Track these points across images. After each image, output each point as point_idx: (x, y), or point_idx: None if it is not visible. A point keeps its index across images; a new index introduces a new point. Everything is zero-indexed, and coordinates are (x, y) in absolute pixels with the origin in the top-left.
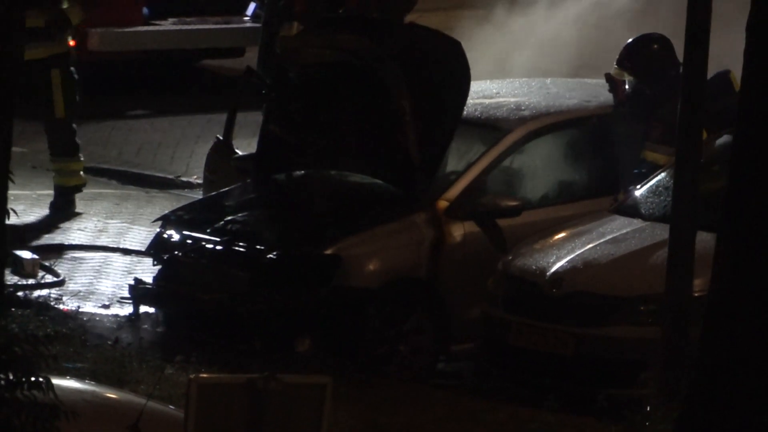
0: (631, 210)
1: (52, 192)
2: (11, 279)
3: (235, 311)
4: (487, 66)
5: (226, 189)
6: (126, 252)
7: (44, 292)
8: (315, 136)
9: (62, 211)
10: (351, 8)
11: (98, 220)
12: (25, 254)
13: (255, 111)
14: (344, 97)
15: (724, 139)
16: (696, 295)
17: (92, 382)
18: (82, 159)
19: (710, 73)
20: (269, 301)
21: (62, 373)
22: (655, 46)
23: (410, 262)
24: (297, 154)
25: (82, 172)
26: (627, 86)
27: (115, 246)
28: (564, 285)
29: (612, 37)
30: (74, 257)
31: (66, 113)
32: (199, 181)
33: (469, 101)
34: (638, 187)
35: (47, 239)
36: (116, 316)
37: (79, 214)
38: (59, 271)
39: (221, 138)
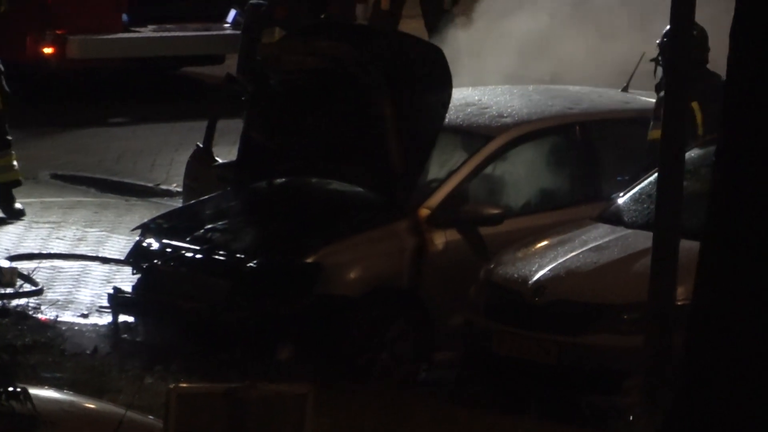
0: (614, 218)
1: None
2: None
3: (215, 320)
4: (466, 71)
5: (207, 197)
6: (105, 261)
7: (23, 301)
8: (296, 144)
9: (6, 209)
10: (333, 14)
11: (77, 229)
12: (3, 263)
13: (235, 118)
14: (325, 104)
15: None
16: (679, 303)
17: (71, 392)
18: (13, 153)
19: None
20: (250, 310)
21: (41, 383)
22: (694, 32)
23: (392, 270)
24: (278, 161)
25: (15, 164)
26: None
27: (94, 255)
28: (546, 293)
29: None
30: (53, 266)
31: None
32: (179, 189)
33: (451, 108)
34: (621, 194)
35: (25, 248)
36: (95, 325)
37: (57, 222)
38: (38, 280)
39: (201, 146)
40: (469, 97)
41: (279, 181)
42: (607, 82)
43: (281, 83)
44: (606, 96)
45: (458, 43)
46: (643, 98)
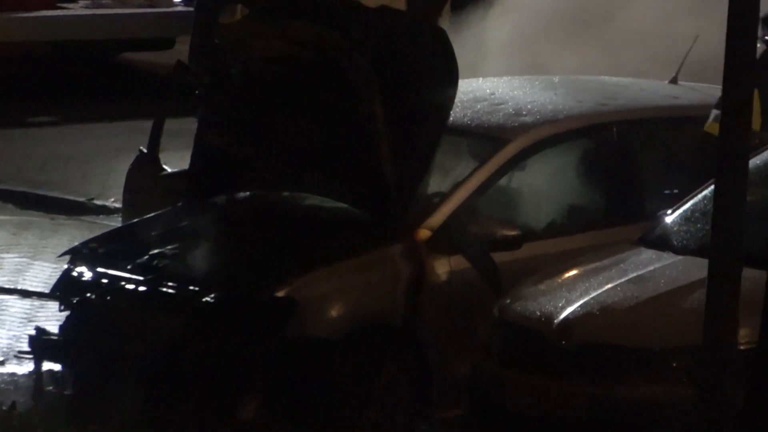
0: (660, 241)
1: None
2: None
3: (164, 367)
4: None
5: (152, 215)
6: (25, 294)
7: None
8: (263, 149)
9: None
10: None
11: None
12: None
13: (188, 117)
14: (300, 100)
15: None
16: (742, 347)
17: None
18: None
19: None
20: (206, 355)
21: None
22: None
23: (383, 305)
24: (241, 170)
25: None
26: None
27: (11, 287)
28: (576, 335)
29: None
30: None
31: None
32: (119, 204)
33: (457, 104)
34: (669, 212)
35: None
36: (13, 374)
37: None
38: None
39: (145, 151)
40: (480, 91)
41: (242, 195)
42: (653, 72)
43: (244, 73)
44: (650, 89)
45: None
46: (697, 91)
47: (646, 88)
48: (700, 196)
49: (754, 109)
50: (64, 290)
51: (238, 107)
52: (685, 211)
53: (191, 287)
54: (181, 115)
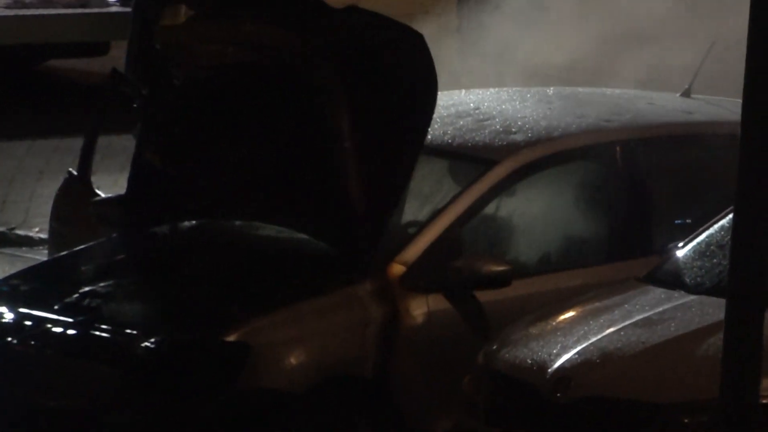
0: (670, 278)
1: None
2: None
3: (97, 425)
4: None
5: (83, 247)
6: None
7: None
8: (212, 171)
9: None
10: None
11: None
12: None
13: (124, 134)
14: (254, 115)
15: None
16: (765, 401)
17: None
18: None
19: None
20: (145, 411)
21: None
22: None
23: (350, 353)
24: (185, 196)
25: None
26: None
27: None
28: (573, 387)
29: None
30: None
31: None
32: (44, 235)
33: (436, 120)
34: (680, 245)
35: None
36: None
37: None
38: None
39: (75, 173)
40: (463, 105)
41: (187, 224)
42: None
43: (189, 84)
44: (659, 103)
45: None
46: (714, 106)
47: (655, 101)
48: (716, 226)
49: None
50: None
51: (183, 123)
52: (699, 244)
53: (128, 331)
54: (116, 132)
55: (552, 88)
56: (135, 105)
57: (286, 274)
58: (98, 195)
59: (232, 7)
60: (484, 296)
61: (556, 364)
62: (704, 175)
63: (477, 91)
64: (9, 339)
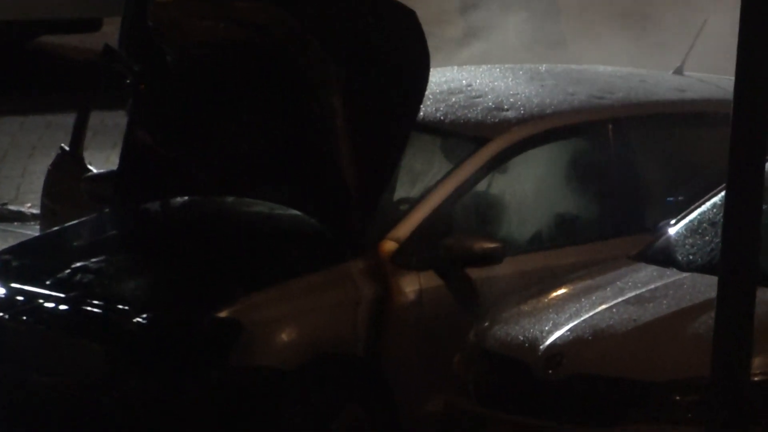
0: (662, 256)
1: None
2: None
3: (87, 401)
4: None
5: (74, 222)
6: None
7: None
8: (204, 148)
9: None
10: None
11: None
12: None
13: (117, 110)
14: (246, 93)
15: None
16: (756, 378)
17: None
18: None
19: None
20: (137, 387)
21: None
22: None
23: (342, 330)
24: (178, 172)
25: None
26: None
27: None
28: (565, 364)
29: None
30: None
31: None
32: (36, 210)
33: (428, 97)
34: (673, 222)
35: None
36: None
37: None
38: None
39: (67, 149)
40: (455, 82)
41: (178, 201)
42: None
43: (182, 61)
44: (652, 81)
45: None
46: (706, 83)
47: (647, 79)
48: (708, 204)
49: None
50: None
51: (175, 100)
52: (691, 222)
53: (120, 307)
54: (108, 109)
55: (544, 66)
56: (127, 82)
57: (277, 251)
58: (90, 171)
59: None
60: (475, 274)
61: (548, 341)
62: (696, 153)
63: (469, 68)
64: (0, 314)
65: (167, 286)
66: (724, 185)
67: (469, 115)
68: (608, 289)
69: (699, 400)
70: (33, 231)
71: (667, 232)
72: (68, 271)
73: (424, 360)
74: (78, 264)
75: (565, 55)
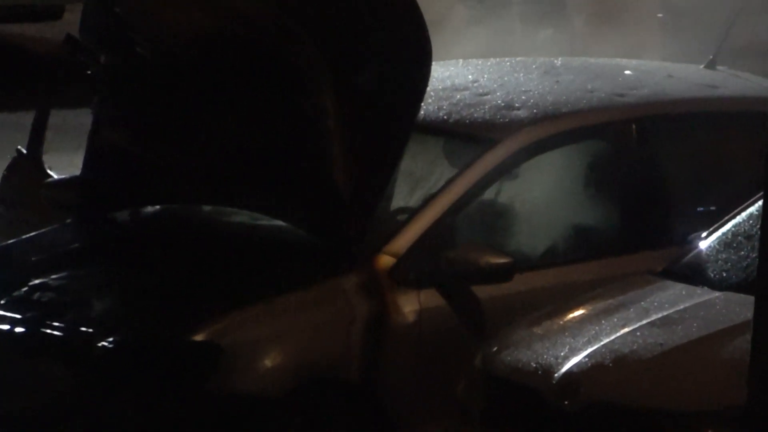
0: (691, 273)
1: None
2: None
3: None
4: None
5: (33, 234)
6: None
7: None
8: (179, 150)
9: None
10: None
11: None
12: None
13: (81, 108)
14: (227, 89)
15: None
16: None
17: None
18: None
19: None
20: (103, 416)
21: None
22: None
23: (333, 353)
24: (149, 178)
25: None
26: None
27: None
28: (582, 393)
29: None
30: None
31: None
32: None
33: (430, 94)
34: (703, 235)
35: None
36: None
37: None
38: None
39: (24, 151)
40: (460, 77)
41: (150, 210)
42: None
43: (153, 53)
44: (680, 76)
45: None
46: (740, 79)
47: (675, 74)
48: (744, 215)
49: None
50: None
51: (147, 96)
52: (724, 234)
53: (84, 329)
54: (71, 106)
55: (560, 59)
56: (92, 75)
57: (261, 265)
58: (51, 176)
59: None
60: (482, 292)
61: (564, 368)
62: (730, 157)
63: (476, 61)
64: None
65: (137, 304)
66: (761, 193)
67: (475, 115)
68: (631, 309)
69: None
70: None
71: (697, 246)
72: (26, 288)
73: (424, 387)
74: (37, 280)
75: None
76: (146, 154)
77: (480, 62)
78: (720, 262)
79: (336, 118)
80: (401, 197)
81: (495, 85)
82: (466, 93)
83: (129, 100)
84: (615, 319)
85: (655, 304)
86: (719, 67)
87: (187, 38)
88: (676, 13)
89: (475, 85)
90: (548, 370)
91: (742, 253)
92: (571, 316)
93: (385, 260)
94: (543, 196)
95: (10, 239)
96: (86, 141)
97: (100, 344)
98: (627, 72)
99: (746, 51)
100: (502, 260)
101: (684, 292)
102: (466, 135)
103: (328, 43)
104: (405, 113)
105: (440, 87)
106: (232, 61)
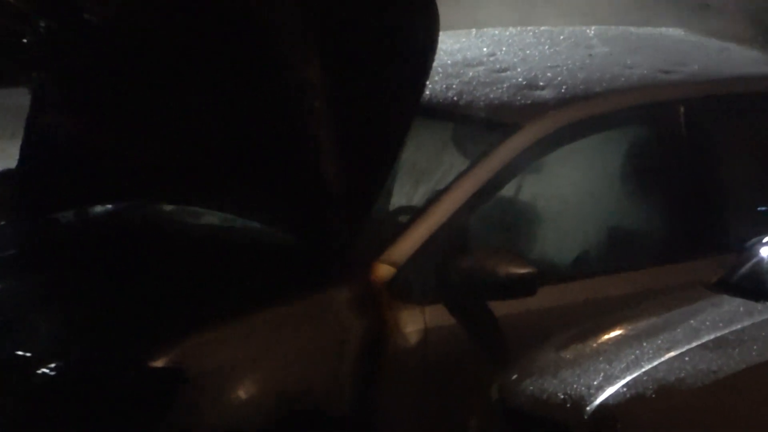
0: (751, 285)
1: None
2: None
3: None
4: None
5: None
6: None
7: None
8: (136, 138)
9: None
10: None
11: None
12: None
13: (15, 88)
14: (194, 64)
15: None
16: None
17: None
18: None
19: None
20: None
21: None
22: None
23: (320, 381)
24: (100, 171)
25: None
26: None
27: None
28: (620, 430)
29: None
30: None
31: None
32: None
33: (437, 71)
34: (764, 241)
35: None
36: None
37: None
38: None
39: None
40: (473, 49)
41: (101, 209)
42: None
43: (105, 20)
44: (736, 49)
45: None
46: None
47: (730, 47)
48: None
49: None
50: None
51: (97, 73)
52: None
53: (21, 353)
54: (3, 85)
55: (593, 28)
56: (27, 46)
57: (234, 276)
58: None
59: None
60: (500, 308)
61: (598, 400)
62: None
63: (492, 31)
64: None
65: (85, 324)
66: None
67: (491, 95)
68: (678, 329)
69: None
70: None
71: (757, 253)
72: None
73: (430, 422)
74: None
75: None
76: (96, 143)
77: (497, 32)
78: None
79: (323, 97)
80: (403, 194)
81: (515, 60)
82: (481, 69)
83: (75, 77)
84: (659, 341)
85: (707, 322)
86: None
87: (145, 10)
88: None
89: (492, 59)
90: (579, 403)
91: None
92: (606, 337)
93: (384, 270)
94: (572, 193)
95: None
96: (23, 128)
97: (39, 372)
98: (674, 44)
99: None
100: (523, 270)
101: (742, 309)
102: (481, 120)
103: (315, 8)
104: (408, 92)
105: (449, 62)
106: (201, 31)
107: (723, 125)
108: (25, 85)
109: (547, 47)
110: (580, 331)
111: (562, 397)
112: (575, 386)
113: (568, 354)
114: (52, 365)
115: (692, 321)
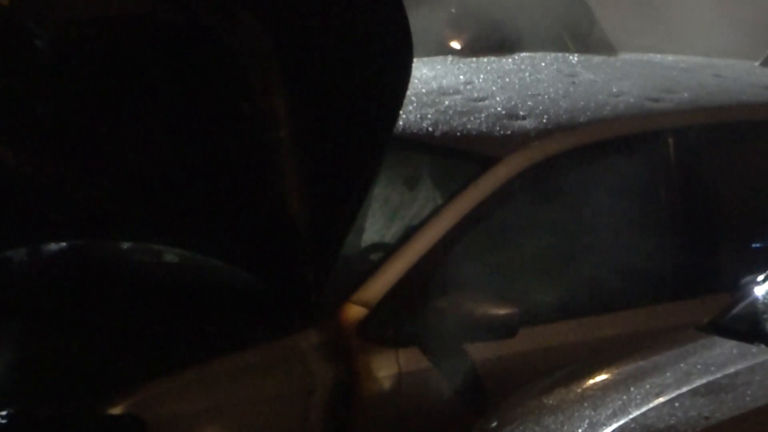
0: (745, 327)
1: None
2: None
3: None
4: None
5: None
6: None
7: None
8: (90, 171)
9: None
10: None
11: None
12: None
13: None
14: (153, 92)
15: None
16: None
17: None
18: None
19: None
20: None
21: None
22: None
23: (288, 430)
24: (52, 206)
25: None
26: None
27: None
28: None
29: None
30: None
31: None
32: None
33: (411, 100)
34: (761, 278)
35: None
36: None
37: None
38: None
39: None
40: (449, 77)
41: (53, 246)
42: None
43: (56, 47)
44: (730, 75)
45: None
46: None
47: (723, 72)
48: None
49: None
50: None
51: (47, 102)
52: None
53: None
54: None
55: (577, 55)
56: None
57: (195, 318)
58: None
59: None
60: (479, 352)
61: None
62: None
63: (469, 59)
64: None
65: (38, 368)
66: None
67: (469, 126)
68: (668, 373)
69: None
70: None
71: (752, 292)
72: None
73: None
74: None
75: None
76: (45, 176)
77: (474, 59)
78: None
79: (289, 128)
80: (375, 231)
81: (494, 88)
82: (457, 98)
83: (26, 105)
84: (647, 386)
85: (699, 366)
86: None
87: (101, 27)
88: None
89: (469, 87)
90: None
91: None
92: (591, 382)
93: (354, 312)
94: (554, 229)
95: None
96: None
97: None
98: (663, 70)
99: None
100: (503, 311)
101: (735, 351)
102: (457, 151)
103: (281, 34)
104: (380, 123)
105: (424, 90)
106: (159, 56)
107: (714, 156)
108: None
109: (527, 74)
110: (563, 375)
111: None
112: None
113: (550, 399)
114: (4, 413)
115: (682, 364)
